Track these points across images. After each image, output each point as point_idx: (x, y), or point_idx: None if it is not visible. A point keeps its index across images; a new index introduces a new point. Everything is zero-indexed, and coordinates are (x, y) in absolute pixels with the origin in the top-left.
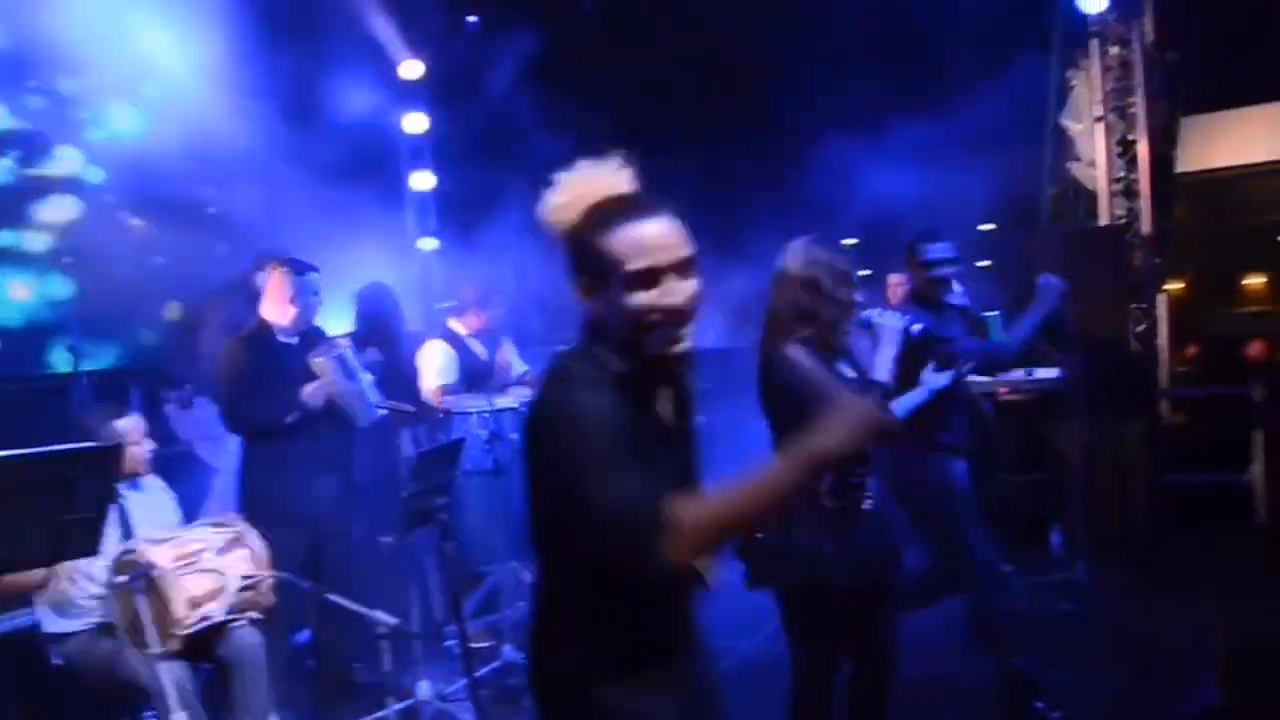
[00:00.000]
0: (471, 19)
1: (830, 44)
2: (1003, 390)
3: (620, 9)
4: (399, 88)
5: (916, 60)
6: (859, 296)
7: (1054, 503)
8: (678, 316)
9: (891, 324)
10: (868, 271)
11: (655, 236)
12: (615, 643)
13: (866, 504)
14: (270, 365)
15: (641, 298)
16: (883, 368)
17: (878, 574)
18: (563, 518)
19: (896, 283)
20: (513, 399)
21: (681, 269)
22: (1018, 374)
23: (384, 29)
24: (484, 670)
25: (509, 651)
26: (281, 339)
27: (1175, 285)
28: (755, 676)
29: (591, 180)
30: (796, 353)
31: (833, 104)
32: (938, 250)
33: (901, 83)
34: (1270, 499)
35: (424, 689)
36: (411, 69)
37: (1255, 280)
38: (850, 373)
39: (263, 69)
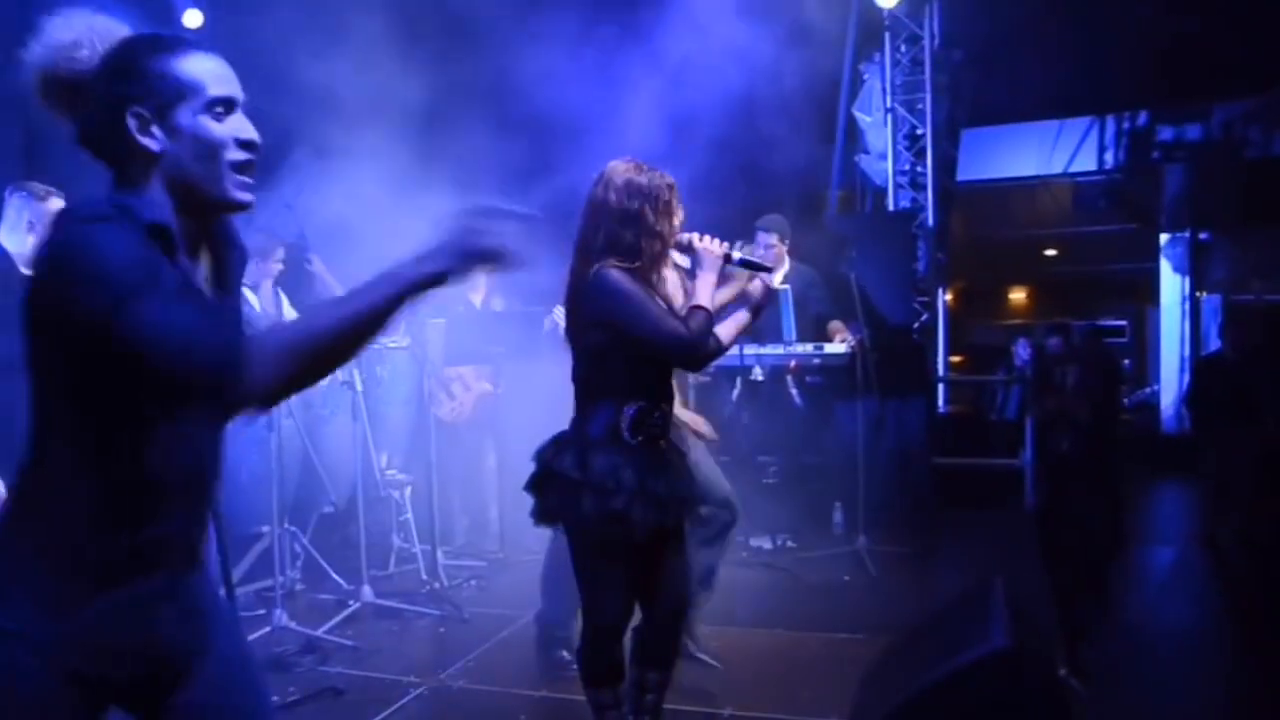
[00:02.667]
0: None
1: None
2: (792, 365)
3: None
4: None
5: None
6: (680, 223)
7: (837, 480)
8: (254, 151)
9: (714, 249)
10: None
11: (224, 68)
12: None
13: (663, 443)
14: (8, 299)
15: (222, 127)
16: (704, 292)
17: (669, 514)
18: (84, 353)
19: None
20: None
21: (241, 109)
22: (807, 348)
23: None
24: (253, 637)
25: (279, 617)
26: (24, 270)
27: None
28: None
29: (97, 19)
30: (615, 275)
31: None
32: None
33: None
34: (1038, 481)
35: None
36: (192, 18)
37: (1018, 293)
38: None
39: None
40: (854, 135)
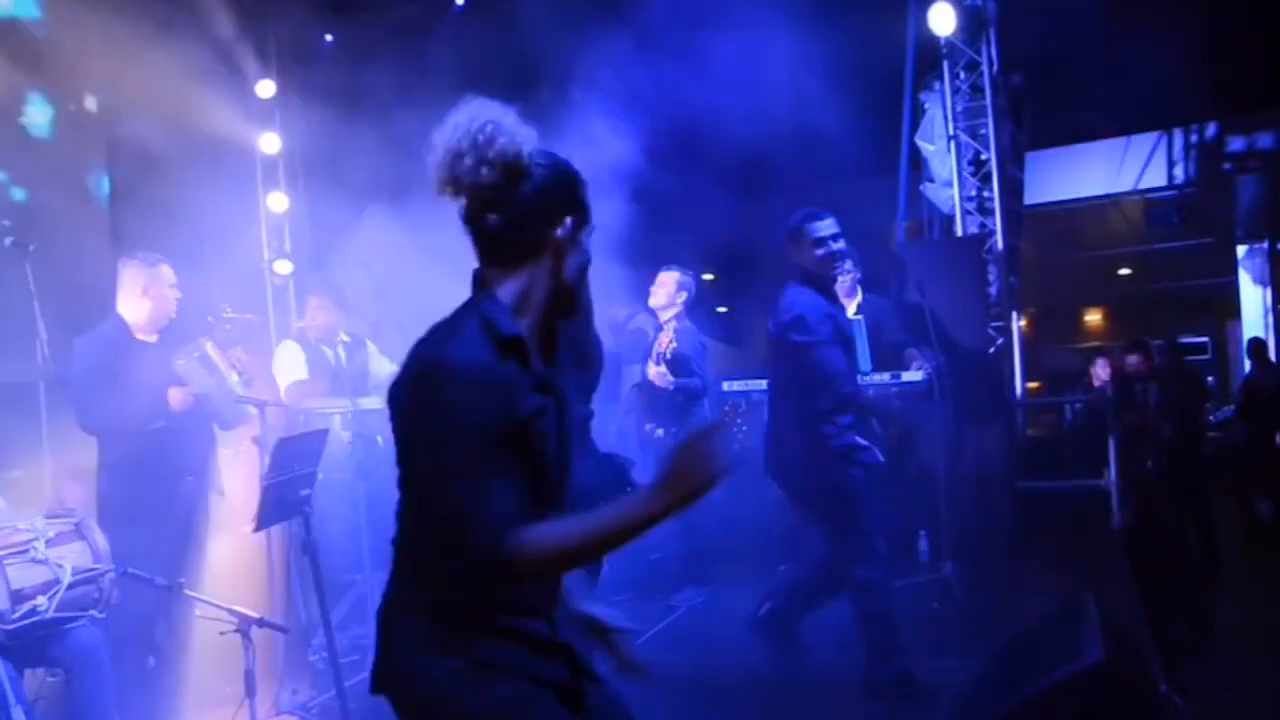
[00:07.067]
0: (327, 37)
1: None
2: (870, 392)
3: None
4: (254, 106)
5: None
6: None
7: (920, 508)
8: None
9: None
10: (724, 309)
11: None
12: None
13: None
14: (127, 365)
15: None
16: None
17: None
18: (423, 495)
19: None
20: (378, 401)
21: None
22: (884, 377)
23: (239, 46)
24: (350, 683)
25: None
26: (140, 337)
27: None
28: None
29: (510, 122)
30: None
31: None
32: (826, 227)
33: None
34: (1124, 500)
35: (285, 699)
36: (265, 88)
37: (1093, 315)
38: None
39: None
40: (918, 165)
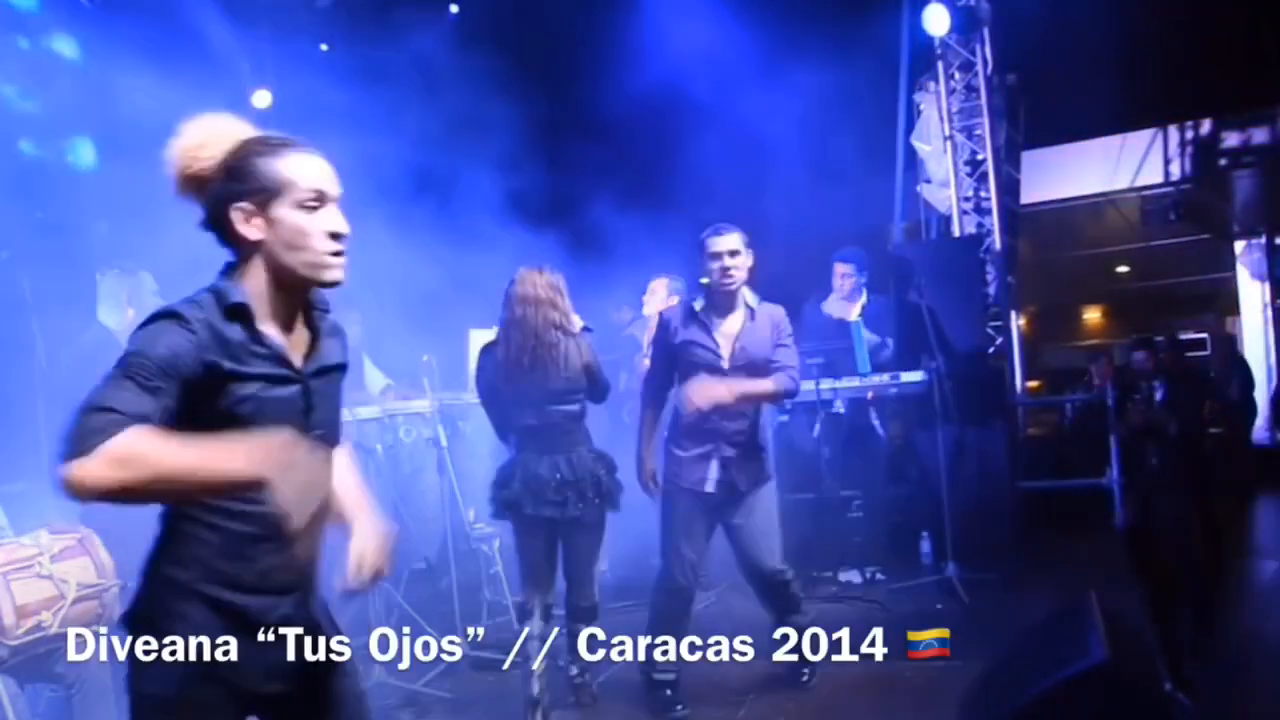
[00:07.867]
0: (323, 47)
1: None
2: (870, 395)
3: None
4: (250, 116)
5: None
6: None
7: (922, 510)
8: (342, 240)
9: None
10: None
11: (321, 167)
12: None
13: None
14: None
15: (312, 218)
16: None
17: None
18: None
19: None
20: (376, 409)
21: (337, 203)
22: (883, 378)
23: (233, 57)
24: None
25: (377, 672)
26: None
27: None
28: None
29: (223, 122)
30: None
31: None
32: (720, 243)
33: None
34: (1127, 499)
35: None
36: (261, 98)
37: (1092, 313)
38: None
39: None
40: (914, 166)
